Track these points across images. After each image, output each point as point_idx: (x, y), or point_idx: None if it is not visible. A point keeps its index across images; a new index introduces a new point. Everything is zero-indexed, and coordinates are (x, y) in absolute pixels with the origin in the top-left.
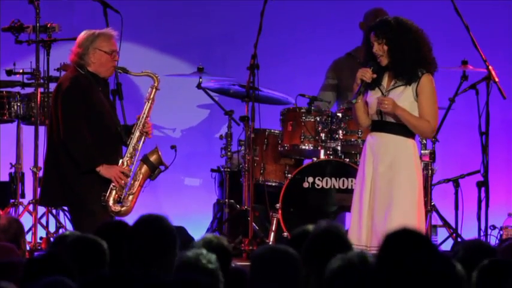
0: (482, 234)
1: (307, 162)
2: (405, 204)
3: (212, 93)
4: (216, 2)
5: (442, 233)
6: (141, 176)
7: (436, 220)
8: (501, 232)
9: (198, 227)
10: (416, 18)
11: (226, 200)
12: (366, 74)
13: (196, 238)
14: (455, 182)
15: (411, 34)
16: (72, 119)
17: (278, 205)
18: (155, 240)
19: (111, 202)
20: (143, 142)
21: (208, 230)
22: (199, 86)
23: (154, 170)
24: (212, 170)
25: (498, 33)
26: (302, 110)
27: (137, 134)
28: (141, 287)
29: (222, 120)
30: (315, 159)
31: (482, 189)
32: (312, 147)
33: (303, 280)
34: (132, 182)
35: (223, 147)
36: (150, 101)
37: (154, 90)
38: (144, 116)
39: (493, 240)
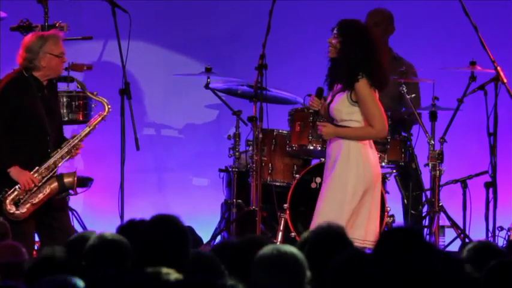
0: (490, 235)
1: (315, 162)
2: None
3: (220, 94)
4: (224, 2)
5: (450, 234)
6: (48, 191)
7: (443, 221)
8: (509, 233)
9: (206, 227)
10: (424, 19)
11: (234, 200)
12: (314, 103)
13: (204, 238)
14: (463, 182)
15: (364, 40)
16: None
17: (286, 205)
18: (168, 240)
19: (8, 200)
20: (66, 160)
21: (216, 230)
22: (207, 86)
23: (63, 192)
24: (220, 170)
25: (507, 34)
26: (310, 110)
27: (65, 150)
28: (146, 286)
29: (230, 120)
30: (323, 159)
31: (490, 190)
32: (319, 148)
33: (308, 282)
34: (36, 192)
35: (231, 147)
36: (91, 127)
37: (100, 118)
38: (80, 138)
39: (500, 242)
